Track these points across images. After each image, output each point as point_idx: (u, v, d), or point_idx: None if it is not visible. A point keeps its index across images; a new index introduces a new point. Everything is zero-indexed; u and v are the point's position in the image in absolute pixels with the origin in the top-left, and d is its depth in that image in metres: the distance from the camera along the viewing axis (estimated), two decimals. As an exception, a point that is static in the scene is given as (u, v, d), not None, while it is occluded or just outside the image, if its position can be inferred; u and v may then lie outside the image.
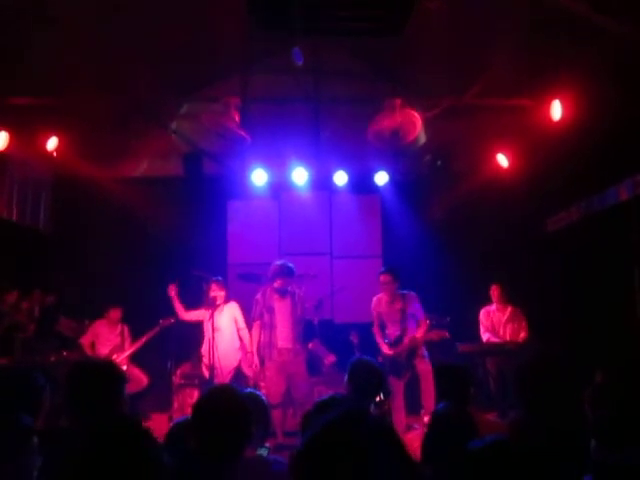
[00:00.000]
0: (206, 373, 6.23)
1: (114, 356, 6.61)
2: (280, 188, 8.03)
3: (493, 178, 7.26)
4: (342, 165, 7.68)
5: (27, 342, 6.34)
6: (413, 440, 5.55)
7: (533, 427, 2.20)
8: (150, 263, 7.48)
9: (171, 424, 2.66)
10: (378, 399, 3.11)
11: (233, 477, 2.02)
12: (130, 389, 6.39)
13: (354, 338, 6.31)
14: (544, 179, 6.83)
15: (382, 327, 6.23)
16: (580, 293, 6.75)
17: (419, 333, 6.08)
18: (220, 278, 6.61)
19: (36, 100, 5.99)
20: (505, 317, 6.81)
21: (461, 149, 7.37)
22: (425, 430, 2.62)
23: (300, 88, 7.34)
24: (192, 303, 6.62)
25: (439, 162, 7.32)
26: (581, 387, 2.56)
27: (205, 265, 6.86)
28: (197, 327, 6.60)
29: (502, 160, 7.17)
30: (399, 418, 5.83)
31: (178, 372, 6.58)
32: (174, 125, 6.86)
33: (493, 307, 6.89)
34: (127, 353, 6.74)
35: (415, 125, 6.30)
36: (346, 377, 3.40)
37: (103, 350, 6.72)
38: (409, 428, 6.04)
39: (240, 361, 6.45)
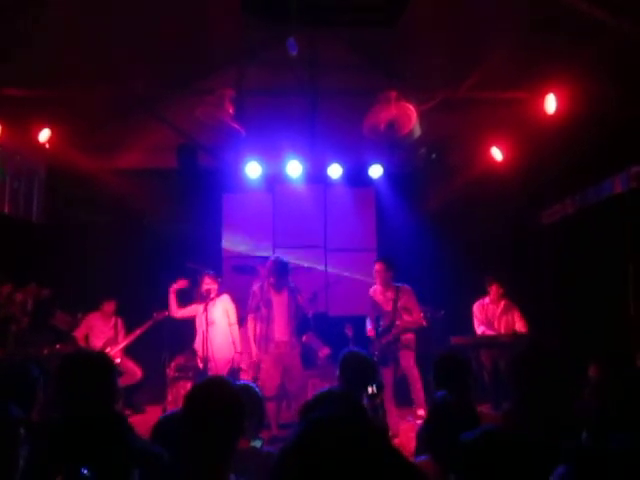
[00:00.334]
0: (201, 365, 6.23)
1: (108, 349, 6.60)
2: (275, 181, 8.02)
3: (488, 171, 7.26)
4: (337, 158, 7.67)
5: (21, 335, 6.31)
6: (408, 431, 5.59)
7: (526, 418, 2.20)
8: (144, 256, 7.46)
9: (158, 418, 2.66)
10: (371, 391, 3.10)
11: (225, 469, 2.01)
12: (124, 382, 6.45)
13: (349, 331, 6.31)
14: (539, 172, 6.84)
15: (377, 318, 6.25)
16: (574, 286, 6.77)
17: (402, 322, 6.10)
18: (212, 271, 6.59)
19: (29, 92, 5.94)
20: (499, 310, 6.84)
21: (456, 142, 7.36)
22: (421, 421, 2.63)
23: (295, 80, 7.31)
24: (186, 296, 6.60)
25: (434, 155, 7.31)
26: (574, 379, 2.56)
27: (200, 257, 6.84)
28: (191, 320, 6.58)
29: (497, 153, 7.18)
30: (389, 408, 5.85)
31: (172, 365, 6.56)
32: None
33: (487, 300, 6.91)
34: (121, 346, 6.74)
35: (410, 118, 6.28)
36: (338, 370, 3.40)
37: (97, 343, 6.71)
38: (402, 418, 6.08)
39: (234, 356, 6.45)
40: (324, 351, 6.68)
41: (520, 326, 6.67)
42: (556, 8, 4.89)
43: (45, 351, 5.95)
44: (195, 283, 6.49)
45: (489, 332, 6.76)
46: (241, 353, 6.23)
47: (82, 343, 6.69)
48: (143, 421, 5.41)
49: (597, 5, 4.74)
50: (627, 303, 5.81)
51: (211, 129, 6.83)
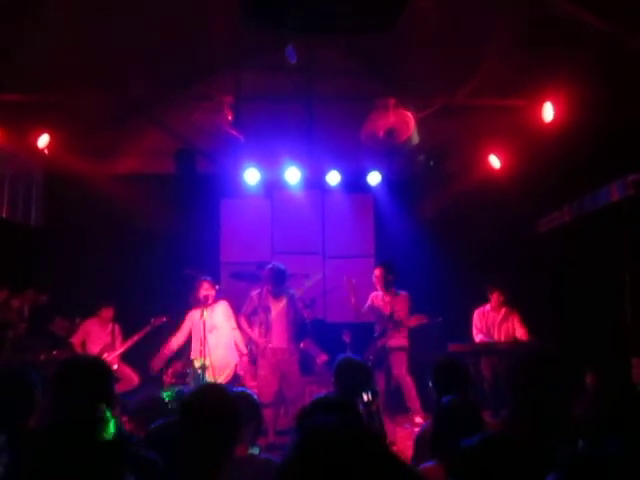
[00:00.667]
0: (199, 372, 6.19)
1: (105, 355, 6.57)
2: (273, 187, 8.02)
3: (486, 178, 7.27)
4: (335, 164, 7.68)
5: (17, 340, 6.29)
6: (405, 438, 5.58)
7: (524, 425, 2.20)
8: (142, 261, 7.45)
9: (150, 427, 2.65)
10: (366, 399, 3.10)
11: (220, 475, 2.00)
12: (121, 388, 6.42)
13: (346, 337, 6.31)
14: (536, 179, 6.85)
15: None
16: (571, 293, 6.77)
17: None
18: (210, 278, 6.57)
19: (27, 97, 5.94)
20: (500, 317, 6.83)
21: (454, 149, 7.38)
22: (419, 428, 2.63)
23: (293, 87, 7.34)
24: (184, 302, 6.58)
25: (432, 162, 7.33)
26: (572, 387, 2.56)
27: (198, 264, 6.83)
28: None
29: (495, 160, 7.19)
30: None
31: (169, 371, 6.54)
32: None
33: (488, 307, 6.90)
34: (118, 352, 6.71)
35: (408, 125, 6.31)
36: (333, 376, 3.40)
37: (94, 349, 6.68)
38: (399, 425, 6.07)
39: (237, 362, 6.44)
40: (322, 358, 6.67)
41: (521, 333, 6.66)
42: (551, 15, 4.92)
43: (42, 357, 5.93)
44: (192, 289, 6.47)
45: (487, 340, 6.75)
46: (247, 354, 6.21)
47: (79, 349, 6.67)
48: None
49: (593, 13, 4.77)
50: (624, 311, 5.81)
51: (209, 134, 6.84)
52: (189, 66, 7.10)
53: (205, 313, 6.14)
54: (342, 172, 7.73)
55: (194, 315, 6.33)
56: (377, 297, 6.40)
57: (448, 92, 6.64)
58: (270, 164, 7.54)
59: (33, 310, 6.58)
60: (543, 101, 5.87)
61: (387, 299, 6.28)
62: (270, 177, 7.71)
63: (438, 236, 7.82)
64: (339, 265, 8.15)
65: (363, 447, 1.15)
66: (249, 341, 6.30)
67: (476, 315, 6.92)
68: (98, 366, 2.43)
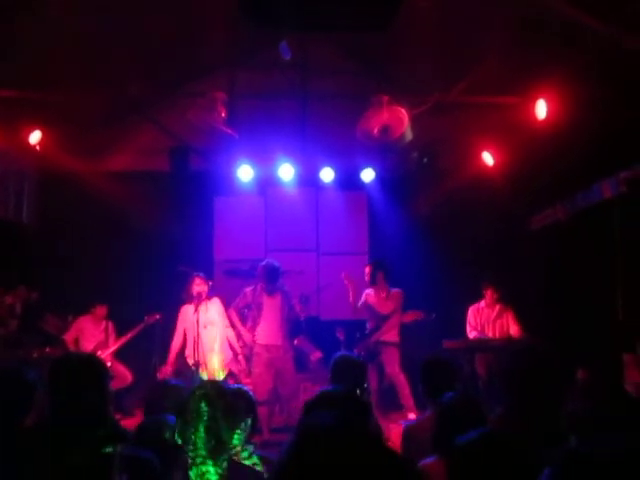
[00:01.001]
0: (193, 369, 6.17)
1: (98, 352, 6.55)
2: (267, 184, 8.01)
3: (479, 175, 7.29)
4: (329, 161, 7.68)
5: (9, 338, 6.26)
6: (399, 436, 5.58)
7: (518, 422, 2.22)
8: (135, 259, 7.43)
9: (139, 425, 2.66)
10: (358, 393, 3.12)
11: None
12: (115, 385, 6.39)
13: (340, 335, 6.32)
14: (529, 177, 6.87)
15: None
16: (563, 290, 6.81)
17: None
18: (202, 273, 6.52)
19: (20, 93, 5.90)
20: (494, 314, 6.85)
21: (448, 146, 7.40)
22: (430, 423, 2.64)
23: (287, 84, 7.33)
24: (178, 299, 6.56)
25: (425, 159, 7.34)
26: (565, 383, 2.58)
27: (192, 261, 6.81)
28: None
29: (488, 157, 7.22)
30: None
31: (163, 368, 6.53)
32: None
33: (482, 304, 6.91)
34: (111, 349, 6.69)
35: (402, 122, 6.31)
36: (330, 373, 3.41)
37: (87, 346, 6.66)
38: (393, 422, 6.08)
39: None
40: (316, 355, 6.69)
41: (515, 330, 6.68)
42: (546, 14, 4.93)
43: (35, 354, 5.90)
44: (184, 286, 6.43)
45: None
46: (241, 353, 6.20)
47: (72, 346, 6.64)
48: (133, 425, 5.37)
49: (585, 11, 4.79)
50: (616, 308, 5.85)
51: (203, 132, 6.82)
52: (183, 64, 7.07)
53: (199, 309, 6.12)
54: (336, 169, 7.73)
55: (187, 312, 6.27)
56: (369, 294, 6.42)
57: (442, 89, 6.65)
58: (264, 161, 7.53)
59: (25, 307, 6.55)
60: (536, 99, 5.88)
61: (382, 296, 6.31)
62: (264, 174, 7.70)
63: (432, 233, 7.84)
64: (333, 262, 8.16)
65: (362, 446, 1.15)
66: (238, 336, 6.26)
67: (471, 312, 6.94)
68: (93, 363, 2.42)
